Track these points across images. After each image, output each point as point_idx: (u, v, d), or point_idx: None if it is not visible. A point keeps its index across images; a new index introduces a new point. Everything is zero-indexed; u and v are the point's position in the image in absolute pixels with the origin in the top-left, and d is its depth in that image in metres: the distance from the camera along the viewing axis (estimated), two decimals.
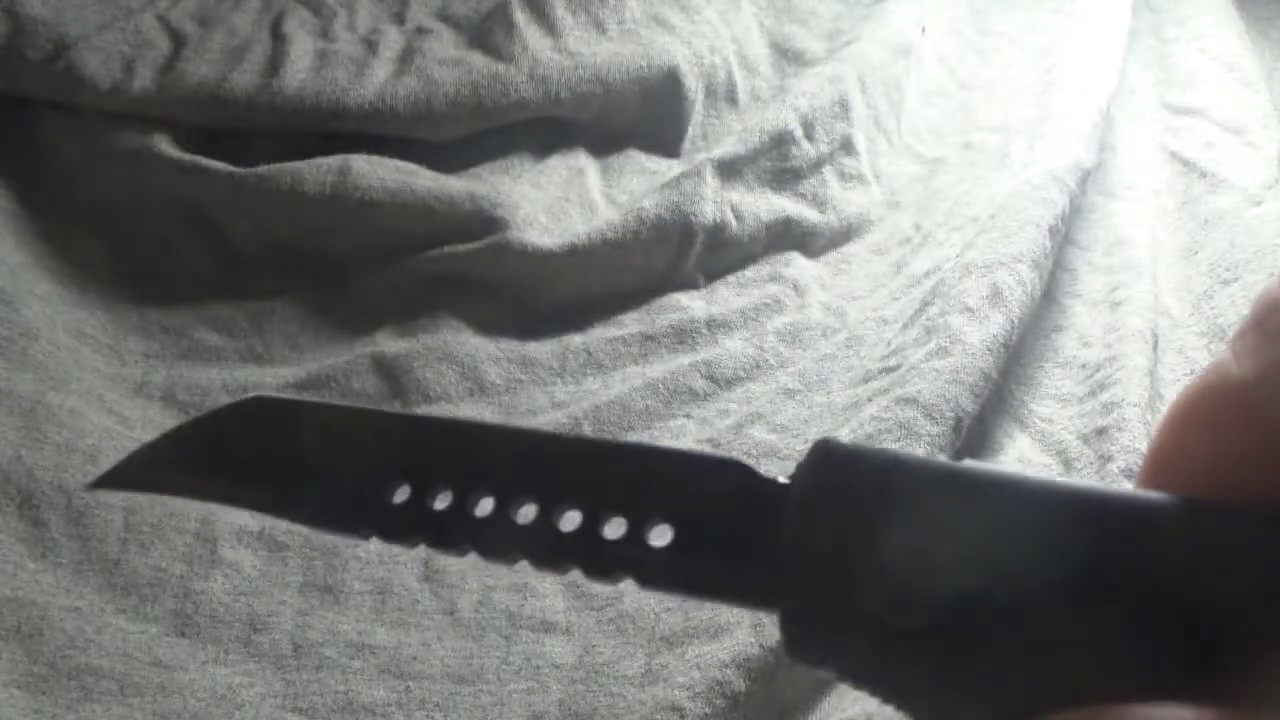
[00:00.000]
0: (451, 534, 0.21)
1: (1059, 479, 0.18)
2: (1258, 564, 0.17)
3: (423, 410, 0.67)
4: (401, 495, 0.22)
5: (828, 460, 0.18)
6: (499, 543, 0.21)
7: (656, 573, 0.20)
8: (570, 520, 0.21)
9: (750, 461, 0.20)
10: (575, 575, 0.21)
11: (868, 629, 0.17)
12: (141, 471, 0.26)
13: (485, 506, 0.21)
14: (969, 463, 0.18)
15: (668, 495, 0.20)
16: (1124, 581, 0.17)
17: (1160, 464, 0.17)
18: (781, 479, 0.19)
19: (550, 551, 0.21)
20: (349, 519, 0.22)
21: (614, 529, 0.20)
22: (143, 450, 0.25)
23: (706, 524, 0.20)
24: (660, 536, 0.20)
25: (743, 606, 0.20)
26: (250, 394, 0.24)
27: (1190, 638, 0.17)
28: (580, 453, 0.22)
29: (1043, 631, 0.16)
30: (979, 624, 0.17)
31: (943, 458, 0.18)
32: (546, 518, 0.21)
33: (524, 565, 0.21)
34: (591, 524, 0.20)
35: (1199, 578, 0.17)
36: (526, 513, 0.21)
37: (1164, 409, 0.64)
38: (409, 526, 0.22)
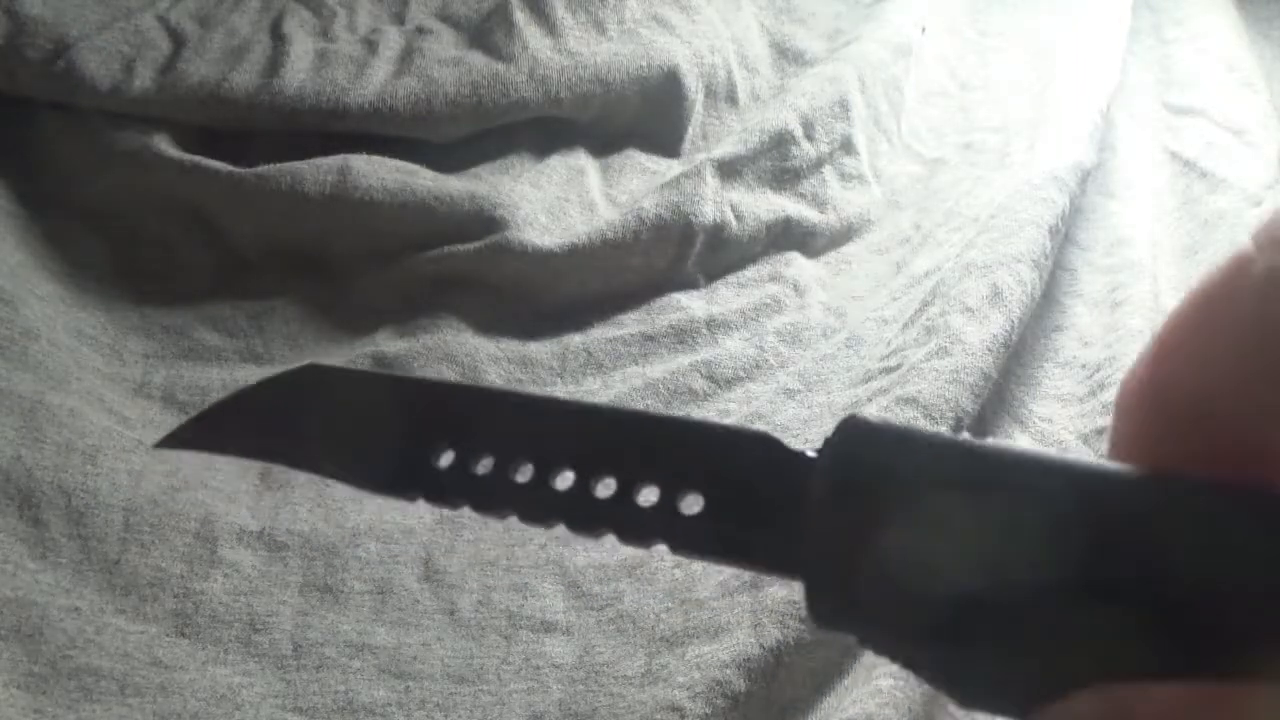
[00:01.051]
0: (493, 498, 0.22)
1: (1074, 458, 0.18)
2: (1260, 557, 0.17)
3: None
4: (446, 460, 0.23)
5: (854, 435, 0.19)
6: (538, 507, 0.22)
7: (687, 539, 0.21)
8: (606, 487, 0.22)
9: (778, 434, 0.21)
10: (610, 539, 0.21)
11: (885, 600, 0.18)
12: (203, 432, 0.27)
13: (525, 473, 0.22)
14: (993, 442, 0.18)
15: (699, 465, 0.21)
16: (1125, 573, 0.17)
17: (1165, 368, 0.16)
18: (809, 452, 0.20)
19: (587, 516, 0.22)
20: (397, 481, 0.23)
21: (647, 496, 0.21)
22: (204, 413, 0.27)
23: (735, 493, 0.21)
24: (691, 505, 0.21)
25: (768, 573, 0.20)
26: (307, 362, 0.25)
27: (1193, 630, 0.17)
28: (616, 423, 0.23)
29: (1047, 620, 0.17)
30: (989, 613, 0.17)
31: (966, 436, 0.18)
32: (584, 484, 0.22)
33: (561, 529, 0.22)
34: (626, 491, 0.21)
35: (1201, 570, 0.17)
36: (564, 479, 0.22)
37: None
38: (453, 489, 0.23)
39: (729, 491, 0.21)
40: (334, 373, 0.25)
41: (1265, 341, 0.15)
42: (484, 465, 0.23)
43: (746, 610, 0.52)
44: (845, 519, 0.18)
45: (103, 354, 0.69)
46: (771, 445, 0.21)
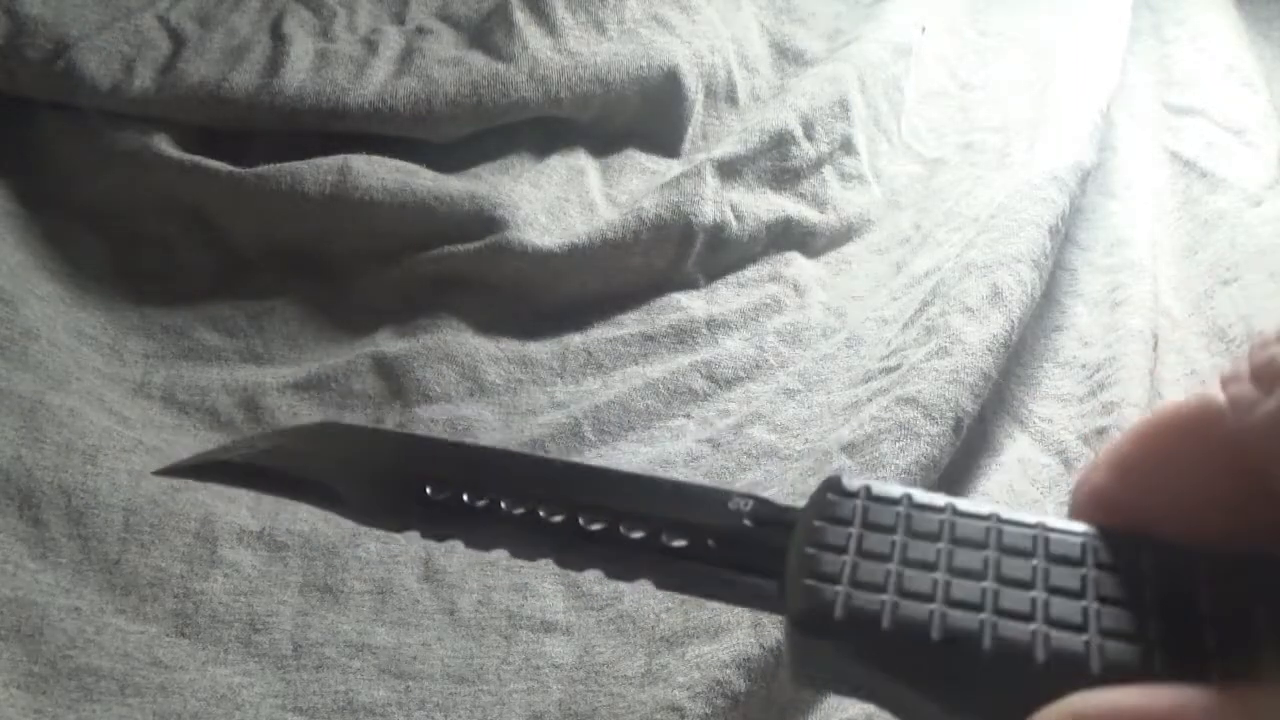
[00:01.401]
0: (484, 530, 0.24)
1: (1035, 517, 0.20)
2: (1248, 570, 0.17)
3: (423, 409, 0.67)
4: (441, 494, 0.24)
5: (834, 491, 0.21)
6: (528, 540, 0.23)
7: (671, 572, 0.22)
8: (595, 524, 0.23)
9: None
10: (597, 574, 0.23)
11: (863, 642, 0.19)
12: (209, 469, 0.28)
13: (518, 509, 0.24)
14: (964, 503, 0.20)
15: (686, 513, 0.23)
16: (1117, 588, 0.18)
17: (1121, 465, 0.18)
18: (796, 506, 0.22)
19: (575, 549, 0.23)
20: (390, 512, 0.25)
21: (634, 532, 0.23)
22: (215, 451, 0.29)
23: (722, 536, 0.22)
24: (677, 541, 0.22)
25: (749, 606, 0.22)
26: (320, 420, 0.28)
27: (1182, 641, 0.17)
28: (607, 478, 0.24)
29: (1029, 648, 0.18)
30: (966, 643, 0.18)
31: (943, 498, 0.21)
32: (573, 520, 0.23)
33: (548, 562, 0.23)
34: (614, 527, 0.23)
35: (1190, 581, 0.17)
36: (555, 517, 0.23)
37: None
38: (445, 521, 0.24)
39: (715, 534, 0.22)
40: (342, 428, 0.27)
41: (1218, 481, 0.17)
42: (477, 502, 0.24)
43: (746, 610, 0.52)
44: (823, 569, 0.20)
45: (103, 354, 0.69)
46: (761, 501, 0.22)
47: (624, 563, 0.22)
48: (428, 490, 0.24)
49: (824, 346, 0.72)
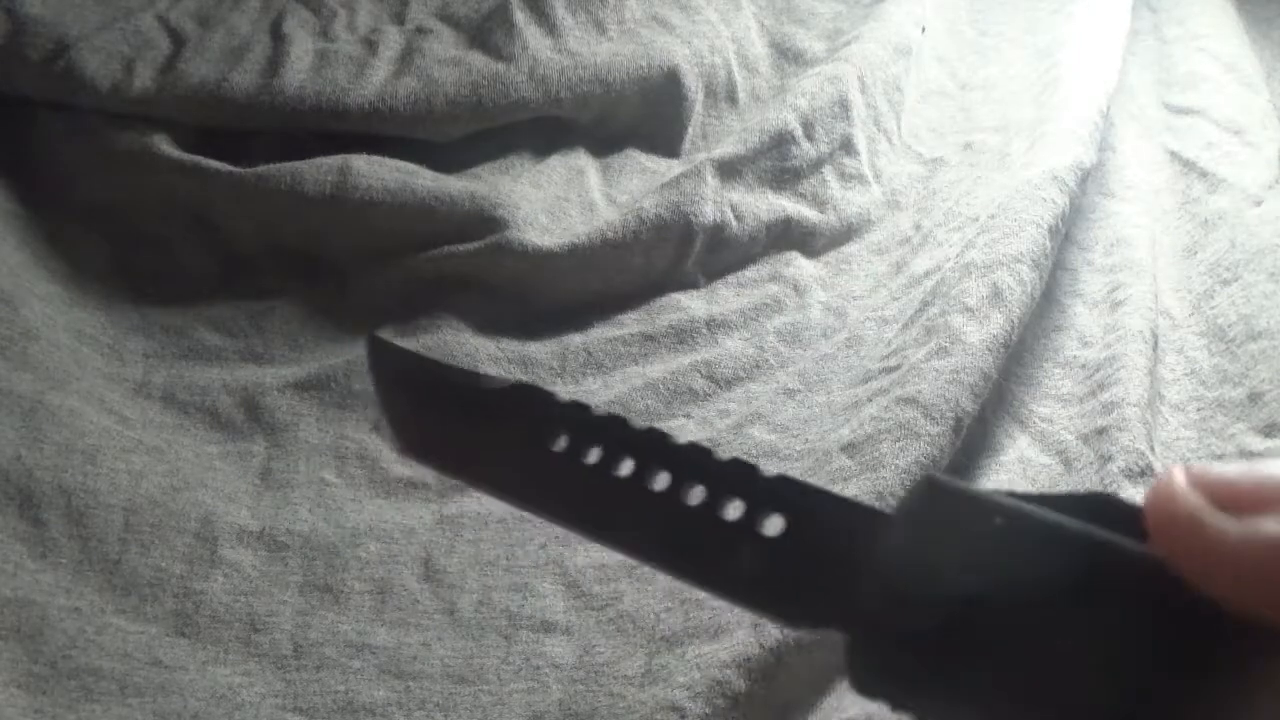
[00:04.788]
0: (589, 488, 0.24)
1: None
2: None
3: None
4: (561, 445, 0.25)
5: (930, 495, 0.20)
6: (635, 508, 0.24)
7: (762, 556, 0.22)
8: (696, 495, 0.23)
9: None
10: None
11: (935, 655, 0.18)
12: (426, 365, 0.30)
13: (626, 468, 0.24)
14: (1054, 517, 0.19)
15: (781, 496, 0.23)
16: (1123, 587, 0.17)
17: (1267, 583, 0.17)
18: (886, 510, 0.21)
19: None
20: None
21: (731, 512, 0.23)
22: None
23: (810, 527, 0.22)
24: (772, 526, 0.22)
25: (814, 626, 0.21)
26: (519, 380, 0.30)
27: (1190, 639, 0.17)
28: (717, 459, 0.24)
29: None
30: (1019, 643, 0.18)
31: (1040, 511, 0.19)
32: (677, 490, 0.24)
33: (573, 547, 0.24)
34: (714, 503, 0.23)
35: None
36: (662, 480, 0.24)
37: (1164, 409, 0.64)
38: (569, 473, 0.25)
39: (805, 523, 0.22)
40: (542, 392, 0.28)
41: None
42: (592, 456, 0.25)
43: (746, 610, 0.52)
44: (913, 571, 0.19)
45: (103, 354, 0.69)
46: (847, 502, 0.22)
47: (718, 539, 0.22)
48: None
49: (824, 346, 0.72)
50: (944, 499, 0.20)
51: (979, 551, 0.19)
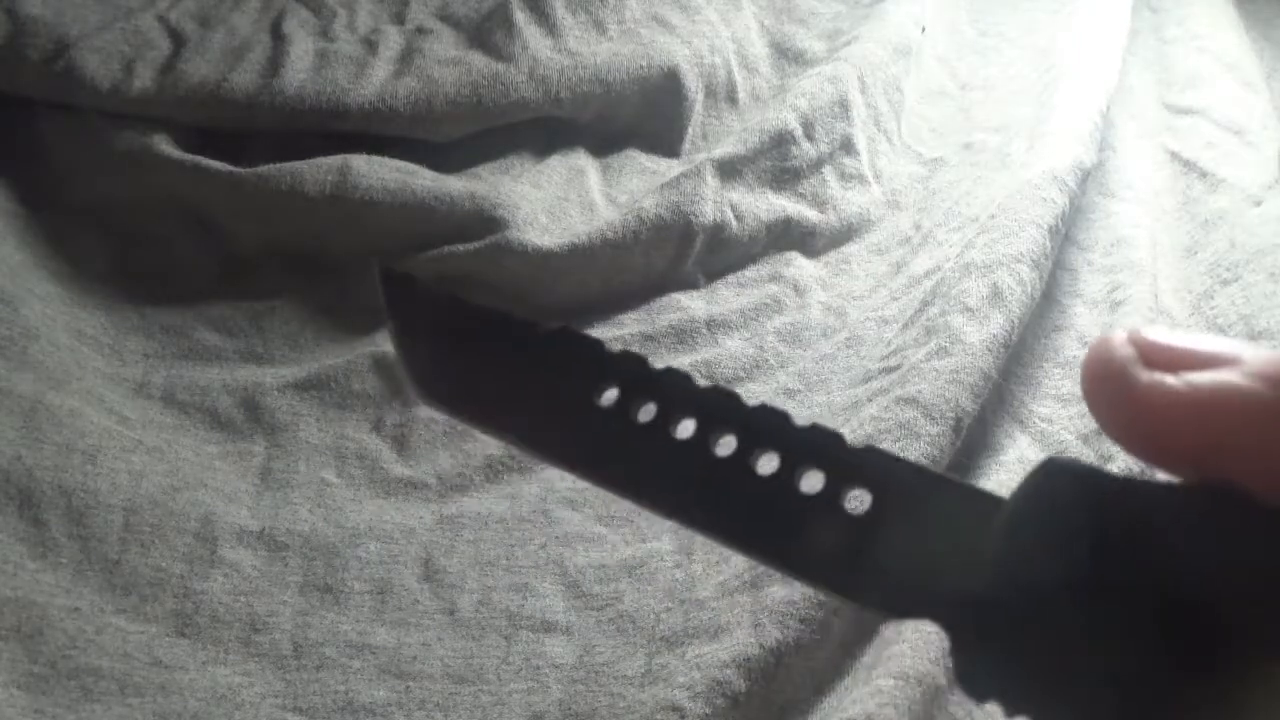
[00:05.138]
0: (651, 450, 0.22)
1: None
2: (1262, 562, 0.17)
3: (423, 409, 0.67)
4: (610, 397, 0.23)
5: (1049, 480, 0.18)
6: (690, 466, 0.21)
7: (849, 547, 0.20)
8: (768, 463, 0.21)
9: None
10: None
11: (1056, 651, 0.17)
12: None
13: (687, 429, 0.22)
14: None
15: (868, 469, 0.20)
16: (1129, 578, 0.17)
17: (1173, 433, 0.17)
18: (1000, 493, 0.19)
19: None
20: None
21: (811, 483, 0.20)
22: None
23: (905, 505, 0.20)
24: (858, 501, 0.20)
25: (912, 616, 0.19)
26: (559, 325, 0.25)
27: (1195, 633, 0.17)
28: (798, 424, 0.22)
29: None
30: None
31: (1154, 477, 0.18)
32: (744, 456, 0.21)
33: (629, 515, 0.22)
34: (791, 472, 0.20)
35: (1205, 575, 0.17)
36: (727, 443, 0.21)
37: None
38: (620, 425, 0.22)
39: (898, 504, 0.20)
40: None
41: None
42: (644, 414, 0.22)
43: (746, 610, 0.52)
44: (1035, 559, 0.17)
45: (103, 354, 0.69)
46: (953, 483, 0.20)
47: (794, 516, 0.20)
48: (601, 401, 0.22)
49: (824, 346, 0.72)
50: (1068, 482, 0.18)
51: (1108, 539, 0.17)
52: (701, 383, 0.22)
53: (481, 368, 0.25)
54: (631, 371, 0.23)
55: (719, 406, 0.22)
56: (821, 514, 0.20)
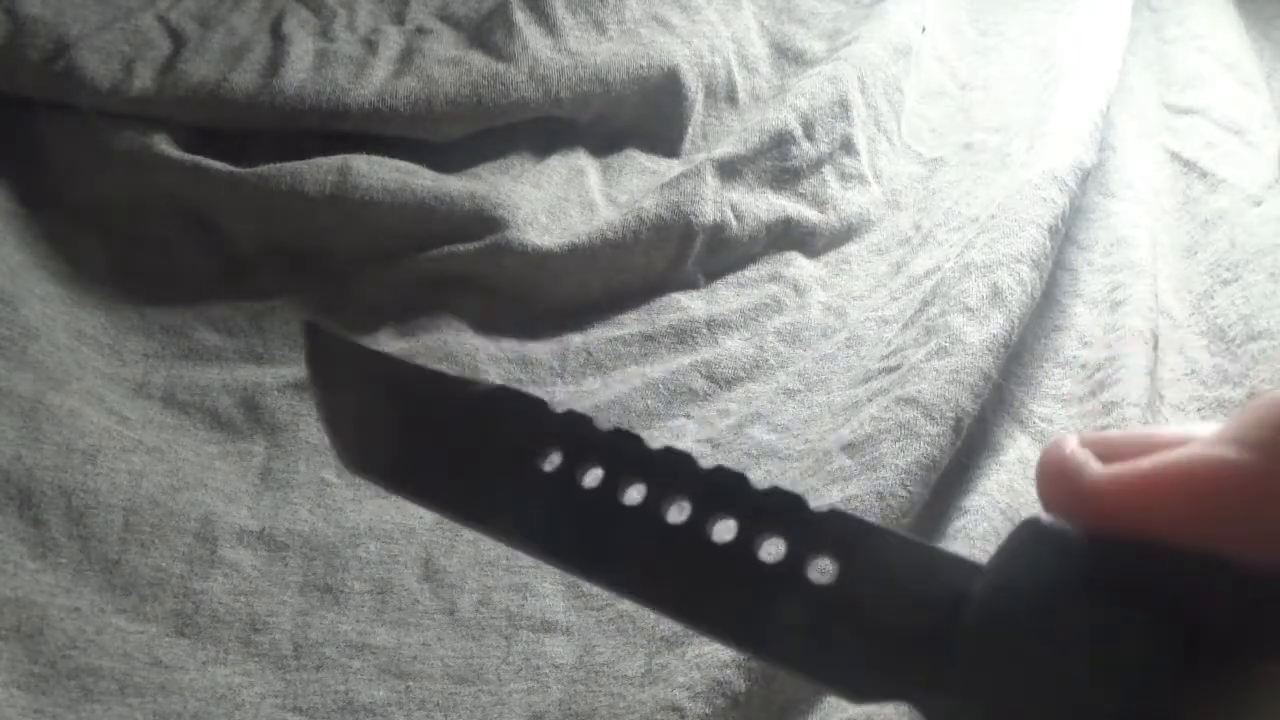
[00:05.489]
0: (593, 518, 0.20)
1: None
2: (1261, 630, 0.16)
3: None
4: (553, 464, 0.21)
5: (1033, 541, 0.17)
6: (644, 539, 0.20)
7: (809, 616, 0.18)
8: (725, 530, 0.19)
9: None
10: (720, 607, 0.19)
11: None
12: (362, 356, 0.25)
13: (636, 495, 0.20)
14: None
15: (833, 534, 0.19)
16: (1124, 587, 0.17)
17: (1128, 514, 0.18)
18: (975, 560, 0.18)
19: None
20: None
21: (770, 551, 0.19)
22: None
23: (872, 575, 0.18)
24: (821, 571, 0.18)
25: (886, 700, 0.18)
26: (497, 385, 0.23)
27: (1187, 641, 0.17)
28: (745, 486, 0.20)
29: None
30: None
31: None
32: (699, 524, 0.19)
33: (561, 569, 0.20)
34: (749, 540, 0.19)
35: (1195, 583, 0.17)
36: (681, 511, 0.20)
37: (1164, 409, 0.64)
38: (561, 497, 0.21)
39: (864, 570, 0.18)
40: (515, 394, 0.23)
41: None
42: (590, 479, 0.21)
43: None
44: (1020, 632, 0.16)
45: (103, 354, 0.69)
46: (936, 552, 0.19)
47: (756, 587, 0.18)
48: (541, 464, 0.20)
49: (824, 346, 0.72)
50: (1050, 545, 0.17)
51: (1099, 608, 0.16)
52: (653, 445, 0.21)
53: (413, 433, 0.23)
54: (577, 434, 0.21)
55: (672, 469, 0.20)
56: (782, 586, 0.19)
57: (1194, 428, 0.18)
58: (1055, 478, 0.18)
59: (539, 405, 0.22)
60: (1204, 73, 0.91)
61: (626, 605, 0.57)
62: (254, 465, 0.64)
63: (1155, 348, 0.67)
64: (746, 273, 0.78)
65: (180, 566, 0.57)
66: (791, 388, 0.69)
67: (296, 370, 0.70)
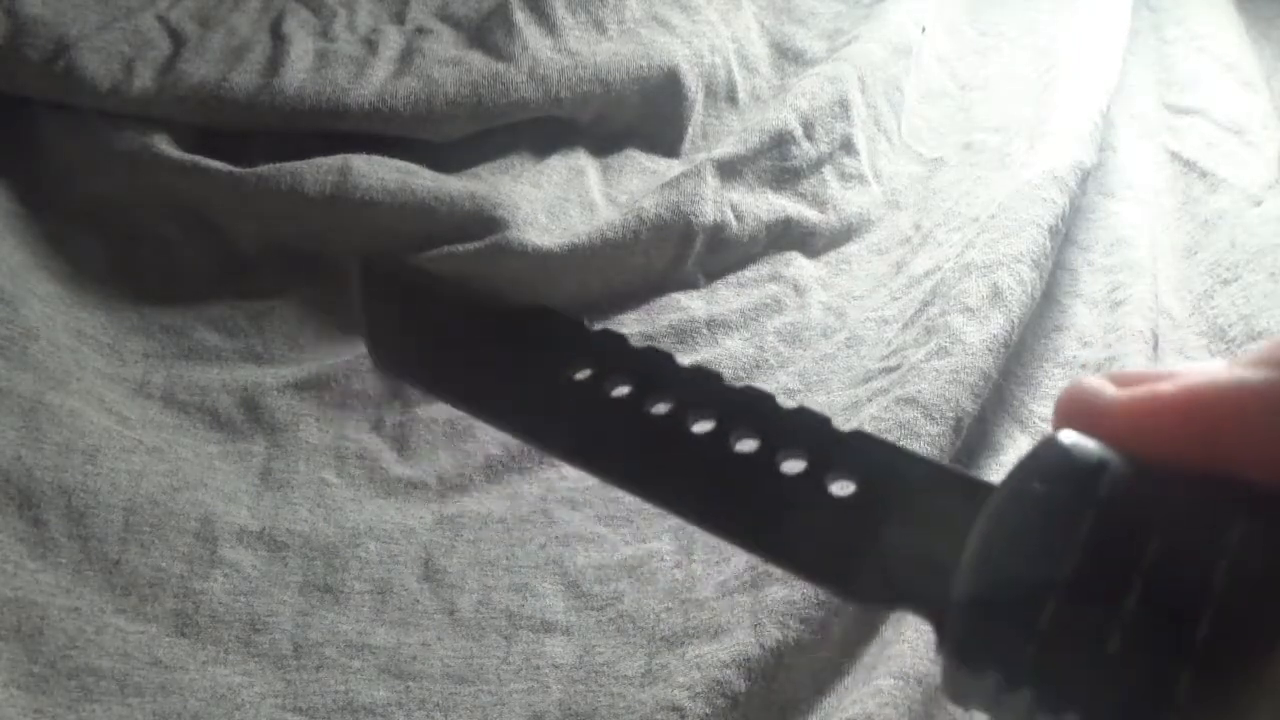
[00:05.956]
0: (627, 426, 0.21)
1: None
2: (1258, 561, 0.16)
3: (423, 409, 0.67)
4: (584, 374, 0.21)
5: (1044, 461, 0.18)
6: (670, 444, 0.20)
7: (829, 527, 0.19)
8: (748, 445, 0.20)
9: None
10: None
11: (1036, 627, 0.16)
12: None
13: (663, 408, 0.21)
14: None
15: (853, 454, 0.19)
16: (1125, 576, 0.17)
17: (1144, 435, 0.18)
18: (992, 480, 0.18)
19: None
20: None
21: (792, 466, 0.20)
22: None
23: (892, 491, 0.19)
24: (841, 488, 0.19)
25: (895, 607, 0.19)
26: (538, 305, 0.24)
27: (1193, 632, 0.16)
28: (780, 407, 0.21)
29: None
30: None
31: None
32: (723, 435, 0.20)
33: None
34: (769, 454, 0.20)
35: (1201, 574, 0.17)
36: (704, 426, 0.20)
37: None
38: (592, 402, 0.21)
39: (883, 487, 0.19)
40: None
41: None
42: (620, 389, 0.21)
43: (746, 610, 0.52)
44: (1030, 548, 0.17)
45: (103, 354, 0.69)
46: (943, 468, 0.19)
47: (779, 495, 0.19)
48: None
49: (824, 346, 0.72)
50: (1063, 464, 0.17)
51: (1106, 524, 0.16)
52: (683, 362, 0.21)
53: (449, 339, 0.24)
54: (610, 349, 0.22)
55: (701, 385, 0.21)
56: (800, 495, 0.19)
57: (1213, 363, 0.18)
58: (1072, 403, 0.18)
59: (576, 325, 0.23)
60: (1204, 73, 0.91)
61: (627, 605, 0.57)
62: (254, 465, 0.64)
63: (1155, 348, 0.67)
64: (746, 273, 0.78)
65: (180, 566, 0.57)
66: (791, 388, 0.69)
67: (296, 370, 0.70)
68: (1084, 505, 0.17)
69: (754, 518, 0.20)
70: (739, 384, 0.21)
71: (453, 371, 0.23)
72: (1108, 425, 0.18)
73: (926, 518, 0.19)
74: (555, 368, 0.22)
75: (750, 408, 0.20)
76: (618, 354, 0.22)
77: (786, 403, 0.20)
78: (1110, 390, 0.18)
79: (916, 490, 0.19)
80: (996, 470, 0.62)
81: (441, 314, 0.24)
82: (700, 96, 0.88)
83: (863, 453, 0.20)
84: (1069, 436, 0.18)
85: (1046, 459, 0.18)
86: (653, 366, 0.21)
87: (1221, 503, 0.16)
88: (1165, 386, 0.17)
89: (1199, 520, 0.16)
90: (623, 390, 0.21)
